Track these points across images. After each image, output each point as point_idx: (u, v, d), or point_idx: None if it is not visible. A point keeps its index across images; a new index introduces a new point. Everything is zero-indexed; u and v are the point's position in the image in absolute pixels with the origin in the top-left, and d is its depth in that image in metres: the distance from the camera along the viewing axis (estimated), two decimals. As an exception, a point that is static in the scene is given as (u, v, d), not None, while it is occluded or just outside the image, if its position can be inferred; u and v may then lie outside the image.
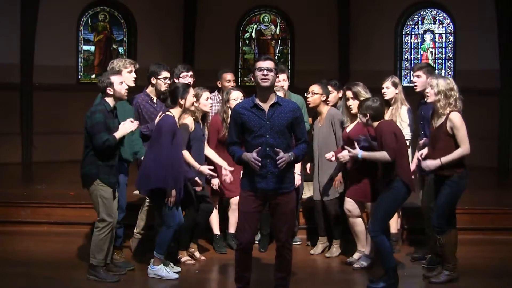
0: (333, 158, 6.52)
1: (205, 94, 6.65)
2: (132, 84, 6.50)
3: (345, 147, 6.36)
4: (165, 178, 5.95)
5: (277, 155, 5.05)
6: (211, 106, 6.80)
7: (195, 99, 6.30)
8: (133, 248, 6.99)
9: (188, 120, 6.47)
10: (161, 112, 6.27)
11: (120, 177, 6.28)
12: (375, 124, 6.02)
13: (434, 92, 5.94)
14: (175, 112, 6.15)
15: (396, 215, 6.94)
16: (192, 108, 6.28)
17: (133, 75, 6.52)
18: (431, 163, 5.88)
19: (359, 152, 6.07)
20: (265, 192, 5.16)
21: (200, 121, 6.67)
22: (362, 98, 6.43)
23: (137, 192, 6.88)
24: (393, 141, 5.90)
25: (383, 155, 5.90)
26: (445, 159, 5.82)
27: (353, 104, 6.60)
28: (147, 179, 6.02)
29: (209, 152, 6.81)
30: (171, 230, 6.11)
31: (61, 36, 13.10)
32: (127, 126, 5.98)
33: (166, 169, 5.94)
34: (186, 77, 7.04)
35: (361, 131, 6.43)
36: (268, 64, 5.13)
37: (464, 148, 5.82)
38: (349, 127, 6.68)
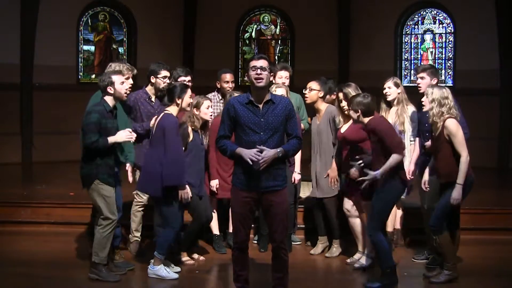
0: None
1: (206, 102, 6.59)
2: (128, 92, 6.48)
3: (351, 168, 6.30)
4: (179, 175, 5.98)
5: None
6: (211, 115, 6.76)
7: (191, 100, 6.29)
8: (134, 251, 6.98)
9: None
10: (159, 113, 6.26)
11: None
12: (366, 120, 5.97)
13: (428, 101, 5.96)
14: (172, 110, 6.16)
15: (392, 214, 6.93)
16: (188, 109, 6.27)
17: (130, 81, 6.50)
18: (458, 195, 5.80)
19: (377, 174, 5.86)
20: (257, 189, 5.13)
21: (200, 130, 6.58)
22: None
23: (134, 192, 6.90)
24: (395, 135, 5.85)
25: (395, 158, 5.80)
26: (460, 179, 5.79)
27: (346, 105, 6.60)
28: (156, 180, 6.00)
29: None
30: (174, 231, 6.12)
31: (61, 36, 13.09)
32: (123, 135, 5.94)
33: (177, 166, 5.97)
34: (184, 82, 7.02)
35: (356, 131, 6.41)
36: (262, 63, 5.11)
37: (464, 155, 5.81)
38: (344, 128, 6.65)
